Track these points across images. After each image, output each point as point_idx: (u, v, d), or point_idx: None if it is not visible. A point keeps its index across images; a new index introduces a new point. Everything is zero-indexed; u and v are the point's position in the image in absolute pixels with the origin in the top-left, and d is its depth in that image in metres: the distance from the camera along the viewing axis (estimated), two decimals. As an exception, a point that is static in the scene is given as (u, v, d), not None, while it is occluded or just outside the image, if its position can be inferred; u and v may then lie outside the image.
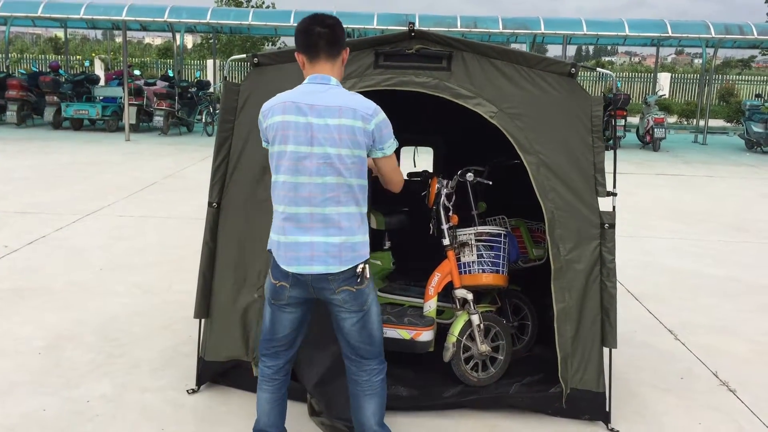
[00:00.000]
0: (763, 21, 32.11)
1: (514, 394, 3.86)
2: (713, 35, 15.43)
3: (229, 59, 4.07)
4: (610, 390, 3.73)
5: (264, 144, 2.94)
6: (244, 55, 3.73)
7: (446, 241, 4.05)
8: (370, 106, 2.84)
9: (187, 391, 3.95)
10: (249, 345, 3.84)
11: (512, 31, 16.51)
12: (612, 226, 3.60)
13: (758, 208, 10.33)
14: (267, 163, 3.68)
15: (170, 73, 19.38)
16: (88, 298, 5.43)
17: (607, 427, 3.73)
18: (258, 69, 3.67)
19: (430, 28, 15.30)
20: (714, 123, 23.14)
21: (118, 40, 27.42)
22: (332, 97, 2.81)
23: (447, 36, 3.54)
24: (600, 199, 3.61)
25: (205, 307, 3.87)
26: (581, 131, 3.54)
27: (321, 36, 2.85)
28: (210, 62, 29.84)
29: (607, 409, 3.73)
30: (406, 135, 4.63)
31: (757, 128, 17.39)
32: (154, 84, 18.17)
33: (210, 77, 25.32)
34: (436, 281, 4.11)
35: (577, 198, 3.58)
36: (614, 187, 3.63)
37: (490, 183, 4.26)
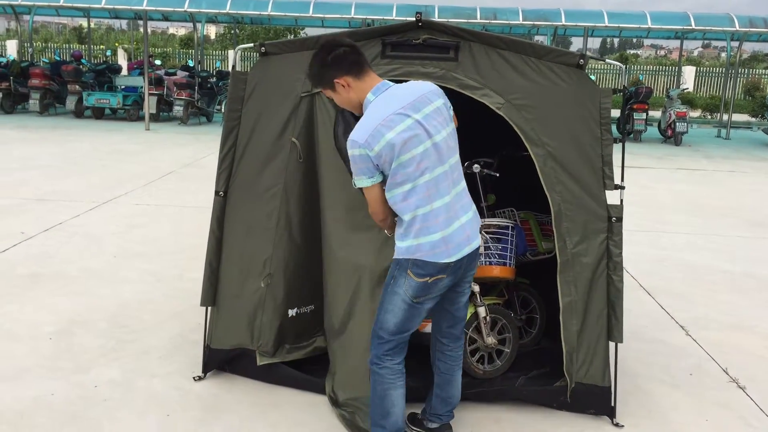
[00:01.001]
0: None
1: (519, 387, 3.85)
2: (738, 28, 15.20)
3: (237, 48, 4.08)
4: (616, 384, 3.71)
5: (371, 179, 2.90)
6: (252, 44, 3.73)
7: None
8: (436, 87, 3.05)
9: (194, 378, 3.99)
10: (254, 333, 3.87)
11: (533, 22, 16.39)
12: (619, 219, 3.56)
13: (779, 204, 10.18)
14: (272, 153, 3.72)
15: (190, 63, 19.48)
16: (101, 284, 5.49)
17: (612, 421, 3.71)
18: (265, 58, 3.67)
19: (449, 20, 15.27)
20: (738, 117, 22.81)
21: (142, 30, 27.66)
22: (409, 92, 2.93)
23: (454, 26, 3.52)
24: (608, 192, 3.58)
25: (211, 295, 3.90)
26: (590, 123, 3.51)
27: (353, 51, 2.96)
28: (231, 53, 30.02)
29: (613, 404, 3.70)
30: None
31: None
32: (175, 74, 18.29)
33: (228, 67, 25.45)
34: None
35: (584, 191, 3.54)
36: (622, 180, 3.59)
37: (497, 175, 4.24)
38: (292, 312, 3.86)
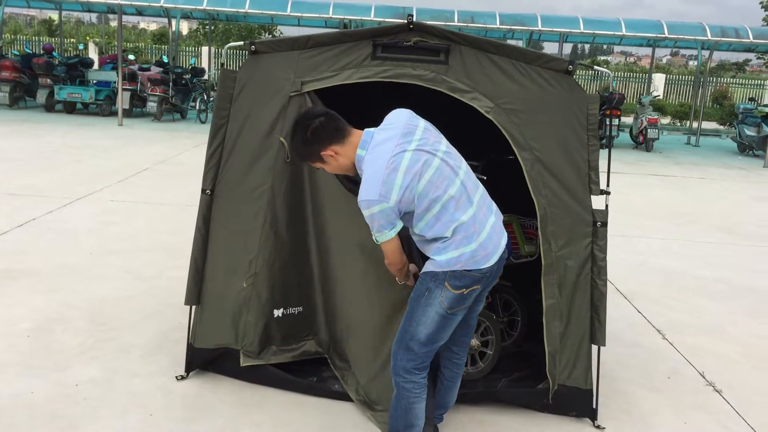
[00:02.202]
0: (758, 24, 32.22)
1: (502, 389, 3.88)
2: (709, 37, 15.47)
3: (226, 46, 4.05)
4: (598, 387, 3.75)
5: (393, 230, 2.91)
6: (242, 43, 3.71)
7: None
8: (411, 111, 3.15)
9: (176, 377, 3.95)
10: (239, 333, 3.85)
11: (509, 27, 16.51)
12: (604, 224, 3.61)
13: (748, 211, 10.39)
14: (260, 152, 3.71)
15: (165, 59, 19.28)
16: (77, 281, 5.41)
17: (594, 424, 3.75)
18: (254, 56, 3.65)
19: (427, 22, 15.24)
20: (707, 125, 23.20)
21: (113, 24, 27.20)
22: (393, 128, 3.00)
23: (446, 29, 3.53)
24: (593, 197, 3.62)
25: (196, 293, 3.86)
26: (577, 129, 3.55)
27: (329, 118, 3.00)
28: (205, 49, 29.74)
29: (594, 406, 3.75)
30: None
31: (750, 131, 17.44)
32: (149, 69, 18.07)
33: (204, 64, 25.22)
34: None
35: (570, 195, 3.58)
36: (608, 185, 3.64)
37: (485, 178, 4.26)
38: (277, 312, 3.84)
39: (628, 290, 6.09)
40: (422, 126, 3.04)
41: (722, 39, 15.60)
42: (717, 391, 4.27)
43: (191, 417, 3.59)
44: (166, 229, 7.08)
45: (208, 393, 3.83)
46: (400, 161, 2.86)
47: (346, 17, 16.03)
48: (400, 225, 2.93)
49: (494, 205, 3.16)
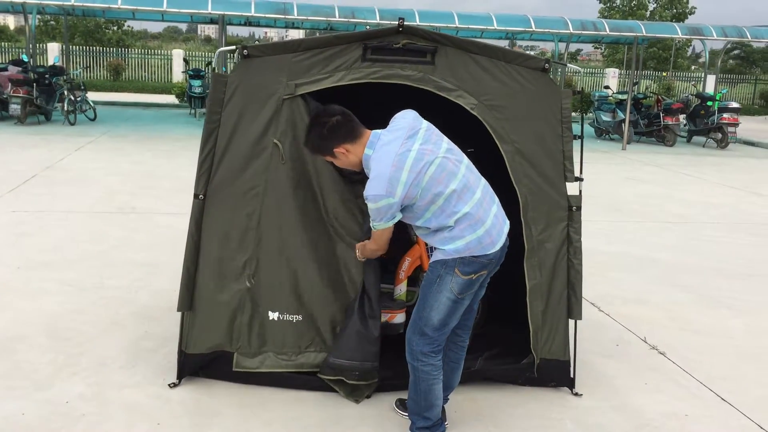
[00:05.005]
0: (593, 16, 34.75)
1: (488, 368, 4.13)
2: (571, 30, 16.57)
3: (219, 50, 4.02)
4: (575, 358, 4.10)
5: (392, 220, 3.18)
6: (234, 47, 3.72)
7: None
8: (415, 112, 3.37)
9: (169, 385, 3.91)
10: (234, 335, 3.87)
11: (389, 22, 16.76)
12: (579, 208, 3.95)
13: (624, 191, 11.30)
14: (253, 154, 3.75)
15: (24, 58, 18.06)
16: (18, 297, 5.14)
17: (572, 392, 4.10)
18: (246, 60, 3.68)
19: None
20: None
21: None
22: (398, 129, 3.20)
23: (433, 32, 3.73)
24: (568, 184, 3.95)
25: (188, 300, 3.83)
26: (552, 122, 3.86)
27: (346, 118, 3.20)
28: (52, 45, 28.03)
29: (572, 376, 4.10)
30: None
31: (606, 117, 18.86)
32: (5, 69, 16.87)
33: (50, 61, 23.82)
34: (406, 265, 4.30)
35: (547, 183, 3.89)
36: (581, 173, 3.98)
37: (472, 150, 4.50)
38: (273, 315, 3.86)
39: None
40: (425, 127, 3.25)
41: (583, 32, 16.74)
42: (661, 354, 4.76)
43: (200, 423, 3.58)
44: (86, 238, 6.80)
45: (206, 398, 3.82)
46: (405, 160, 3.07)
47: (224, 12, 15.73)
48: (399, 216, 3.19)
49: (496, 197, 3.39)
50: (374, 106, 3.72)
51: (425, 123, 3.28)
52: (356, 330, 3.80)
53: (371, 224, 3.28)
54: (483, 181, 3.34)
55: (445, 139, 3.29)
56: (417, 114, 3.32)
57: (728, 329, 5.33)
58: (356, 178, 3.72)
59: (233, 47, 3.77)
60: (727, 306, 5.86)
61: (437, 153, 3.16)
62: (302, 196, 3.80)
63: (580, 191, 3.99)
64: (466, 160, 3.31)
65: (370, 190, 3.07)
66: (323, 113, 3.20)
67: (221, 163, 3.74)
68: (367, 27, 14.48)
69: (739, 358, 4.79)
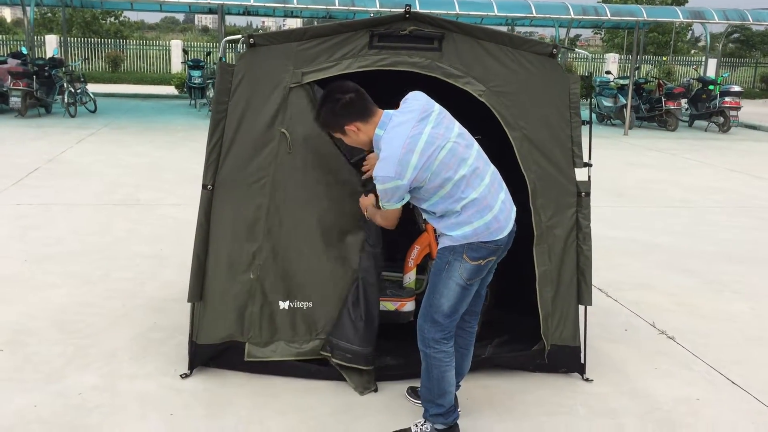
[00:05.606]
0: (593, 1, 34.52)
1: (498, 355, 4.13)
2: (572, 16, 16.51)
3: (224, 40, 4.00)
4: (585, 344, 4.11)
5: (400, 202, 3.16)
6: (239, 36, 3.70)
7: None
8: (427, 96, 3.29)
9: (180, 375, 3.91)
10: (245, 325, 3.87)
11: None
12: (588, 194, 3.94)
13: (627, 176, 11.26)
14: (260, 143, 3.74)
15: (23, 51, 17.99)
16: (27, 291, 5.14)
17: (583, 377, 4.10)
18: (252, 50, 3.66)
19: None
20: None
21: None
22: (410, 111, 3.15)
23: (440, 18, 3.70)
24: (576, 170, 3.94)
25: (198, 290, 3.82)
26: (560, 107, 3.85)
27: (359, 96, 3.16)
28: (50, 37, 27.93)
29: (582, 362, 4.10)
30: None
31: (607, 102, 18.81)
32: (5, 62, 16.82)
33: (49, 53, 23.72)
34: (415, 253, 4.30)
35: (556, 169, 3.88)
36: (590, 158, 3.97)
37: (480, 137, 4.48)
38: (284, 304, 3.86)
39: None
40: (437, 110, 3.21)
41: (584, 17, 16.68)
42: (670, 338, 4.76)
43: (213, 413, 3.59)
44: (91, 230, 6.79)
45: (218, 388, 3.82)
46: (416, 143, 3.04)
47: (223, 2, 15.67)
48: (407, 198, 3.17)
49: (504, 183, 3.38)
50: (381, 94, 3.69)
51: (437, 106, 3.24)
52: (350, 315, 3.83)
53: (380, 203, 3.25)
54: (492, 167, 3.33)
55: (457, 123, 3.26)
56: (429, 97, 3.28)
57: (735, 313, 5.33)
58: (362, 165, 3.70)
59: (238, 36, 3.75)
60: (732, 290, 5.86)
61: (448, 137, 3.13)
62: (310, 184, 3.79)
63: (589, 177, 3.98)
64: (476, 145, 3.29)
65: (379, 170, 3.05)
66: (337, 89, 3.16)
67: (229, 153, 3.73)
68: (371, 15, 14.41)
69: (746, 341, 4.79)
